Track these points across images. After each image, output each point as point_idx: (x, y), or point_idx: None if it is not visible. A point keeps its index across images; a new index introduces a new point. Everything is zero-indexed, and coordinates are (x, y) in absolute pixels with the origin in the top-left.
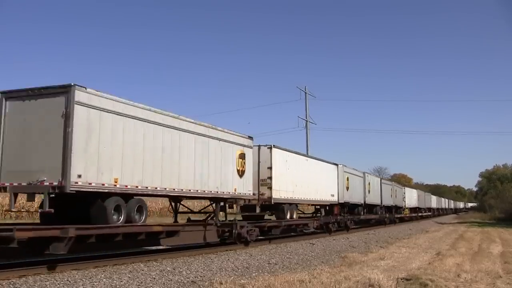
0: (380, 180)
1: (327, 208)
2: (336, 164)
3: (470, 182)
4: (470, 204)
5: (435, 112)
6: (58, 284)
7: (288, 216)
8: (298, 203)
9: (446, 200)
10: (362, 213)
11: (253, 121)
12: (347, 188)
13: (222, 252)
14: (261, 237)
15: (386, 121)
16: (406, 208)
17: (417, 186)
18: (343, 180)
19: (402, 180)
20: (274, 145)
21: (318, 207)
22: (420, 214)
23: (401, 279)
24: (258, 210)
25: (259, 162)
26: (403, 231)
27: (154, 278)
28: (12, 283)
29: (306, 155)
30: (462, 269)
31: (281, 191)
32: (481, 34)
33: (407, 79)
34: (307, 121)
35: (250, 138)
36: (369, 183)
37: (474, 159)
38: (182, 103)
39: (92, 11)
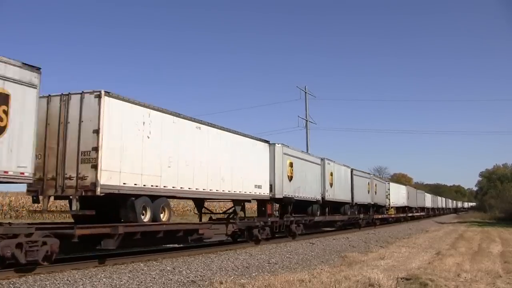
0: (351, 171)
1: (260, 205)
2: (268, 142)
3: (470, 182)
4: (469, 204)
5: (435, 112)
6: (58, 283)
7: (147, 219)
8: (172, 196)
9: (443, 199)
10: (318, 213)
11: (253, 121)
12: (290, 178)
13: (222, 252)
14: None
15: (386, 121)
16: (392, 207)
17: (417, 186)
18: (282, 165)
19: (402, 180)
20: (109, 92)
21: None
22: (410, 214)
23: (401, 279)
24: (75, 206)
25: (80, 121)
26: (403, 231)
27: (154, 278)
28: (12, 282)
29: (201, 122)
30: (462, 269)
31: (125, 173)
32: (481, 34)
33: (407, 79)
34: (307, 120)
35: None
36: (331, 174)
37: (474, 159)
38: (182, 102)
39: (92, 11)
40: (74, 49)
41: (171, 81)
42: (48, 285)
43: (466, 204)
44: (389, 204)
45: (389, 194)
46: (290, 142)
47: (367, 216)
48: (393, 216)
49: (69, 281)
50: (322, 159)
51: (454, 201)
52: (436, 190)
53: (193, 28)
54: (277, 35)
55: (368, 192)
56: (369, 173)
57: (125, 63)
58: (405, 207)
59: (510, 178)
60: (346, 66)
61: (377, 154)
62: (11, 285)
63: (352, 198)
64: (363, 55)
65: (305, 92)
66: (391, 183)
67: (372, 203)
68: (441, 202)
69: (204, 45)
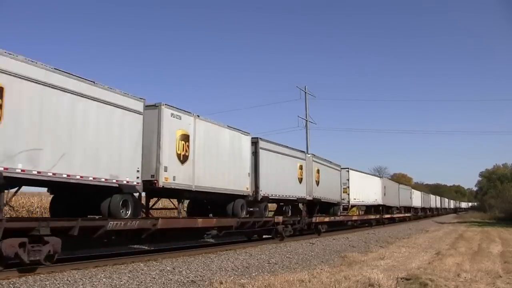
0: (256, 144)
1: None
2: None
3: (470, 182)
4: (467, 204)
5: (435, 112)
6: (58, 283)
7: None
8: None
9: (438, 198)
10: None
11: (253, 121)
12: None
13: (222, 252)
14: None
15: (386, 121)
16: (355, 206)
17: (417, 186)
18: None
19: (402, 180)
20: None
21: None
22: (386, 216)
23: (401, 279)
24: None
25: None
26: (403, 231)
27: (154, 278)
28: (12, 282)
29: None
30: (462, 269)
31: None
32: (481, 34)
33: (407, 79)
34: (307, 120)
35: None
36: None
37: (474, 159)
38: (182, 102)
39: (92, 11)
40: (74, 49)
41: (171, 81)
42: (48, 285)
43: (464, 204)
44: (349, 202)
45: (348, 188)
46: (290, 142)
47: (304, 218)
48: (357, 217)
49: (69, 281)
50: (193, 114)
51: (451, 201)
52: (436, 190)
53: (193, 28)
54: (277, 35)
55: (301, 182)
56: (313, 155)
57: (125, 63)
58: (379, 206)
59: (510, 178)
60: (346, 66)
61: (377, 154)
62: (11, 285)
63: (259, 188)
64: (362, 55)
65: (305, 92)
66: (352, 171)
67: (313, 198)
68: (435, 201)
69: (204, 45)
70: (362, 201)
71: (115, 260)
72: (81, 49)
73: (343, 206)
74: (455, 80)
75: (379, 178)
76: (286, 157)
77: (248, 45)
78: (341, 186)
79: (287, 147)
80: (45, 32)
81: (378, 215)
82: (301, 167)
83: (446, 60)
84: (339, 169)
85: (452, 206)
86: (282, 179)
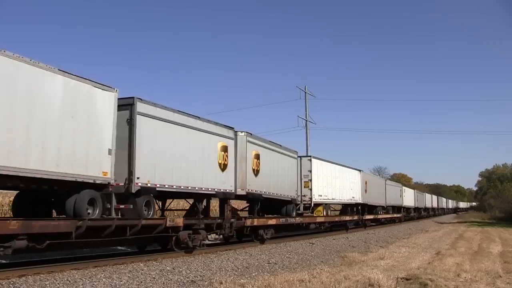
0: (132, 108)
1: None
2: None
3: (470, 182)
4: (467, 204)
5: (435, 112)
6: (58, 283)
7: None
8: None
9: (435, 197)
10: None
11: (253, 121)
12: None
13: (221, 252)
14: None
15: (386, 121)
16: (321, 204)
17: (417, 186)
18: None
19: (402, 180)
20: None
21: None
22: (368, 217)
23: (401, 279)
24: None
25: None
26: (403, 231)
27: (154, 278)
28: (12, 282)
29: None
30: (462, 269)
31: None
32: (481, 34)
33: (407, 79)
34: (307, 120)
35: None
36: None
37: (474, 159)
38: (181, 102)
39: (92, 11)
40: (74, 48)
41: (171, 81)
42: (48, 285)
43: (463, 204)
44: (312, 200)
45: (310, 181)
46: (290, 142)
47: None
48: (322, 219)
49: (69, 281)
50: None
51: (450, 201)
52: (436, 190)
53: (193, 28)
54: (277, 35)
55: (221, 170)
56: (248, 133)
57: (125, 63)
58: (355, 205)
59: (510, 178)
60: (346, 66)
61: (377, 154)
62: (11, 285)
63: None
64: (363, 55)
65: (305, 92)
66: (315, 160)
67: (253, 191)
68: (431, 201)
69: (204, 45)
70: (333, 199)
71: (115, 260)
72: (81, 48)
73: (304, 204)
74: (455, 80)
75: (358, 171)
76: (195, 132)
77: (248, 45)
78: (300, 179)
79: (198, 117)
80: (45, 32)
81: (356, 216)
82: (224, 149)
83: (446, 60)
84: (296, 156)
85: (450, 206)
86: (185, 163)
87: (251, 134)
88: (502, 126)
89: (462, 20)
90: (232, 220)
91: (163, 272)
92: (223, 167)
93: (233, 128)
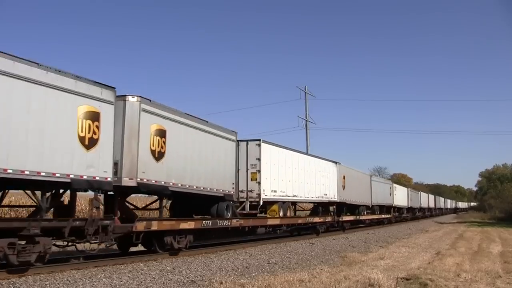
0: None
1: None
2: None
3: (470, 182)
4: (466, 204)
5: (435, 112)
6: (58, 283)
7: None
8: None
9: (432, 197)
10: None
11: (253, 120)
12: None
13: (221, 252)
14: None
15: (386, 121)
16: (276, 202)
17: (417, 186)
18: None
19: (402, 180)
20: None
21: None
22: (346, 218)
23: (401, 279)
24: None
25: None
26: (403, 231)
27: (154, 278)
28: (12, 282)
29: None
30: (462, 269)
31: None
32: (481, 34)
33: (407, 79)
34: (307, 120)
35: None
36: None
37: (474, 159)
38: (181, 102)
39: (92, 11)
40: (74, 48)
41: (171, 81)
42: (48, 285)
43: (463, 204)
44: (260, 198)
45: (259, 172)
46: (289, 142)
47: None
48: (271, 223)
49: (69, 281)
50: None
51: (448, 200)
52: (436, 190)
53: (193, 28)
54: (277, 35)
55: (90, 147)
56: (140, 97)
57: (124, 63)
58: (332, 203)
59: (510, 178)
60: (346, 66)
61: (377, 154)
62: (11, 285)
63: None
64: (363, 55)
65: (305, 92)
66: (265, 146)
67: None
68: (427, 200)
69: (203, 45)
70: (294, 196)
71: (115, 260)
72: (81, 48)
73: (251, 202)
74: (455, 80)
75: (333, 163)
76: (25, 84)
77: (248, 45)
78: (246, 169)
79: (35, 64)
80: (45, 32)
81: (330, 217)
82: (92, 116)
83: (446, 60)
84: (234, 139)
85: (449, 206)
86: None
87: (150, 100)
88: (502, 126)
89: (462, 20)
90: (107, 222)
91: (163, 272)
92: (89, 142)
93: (113, 87)
